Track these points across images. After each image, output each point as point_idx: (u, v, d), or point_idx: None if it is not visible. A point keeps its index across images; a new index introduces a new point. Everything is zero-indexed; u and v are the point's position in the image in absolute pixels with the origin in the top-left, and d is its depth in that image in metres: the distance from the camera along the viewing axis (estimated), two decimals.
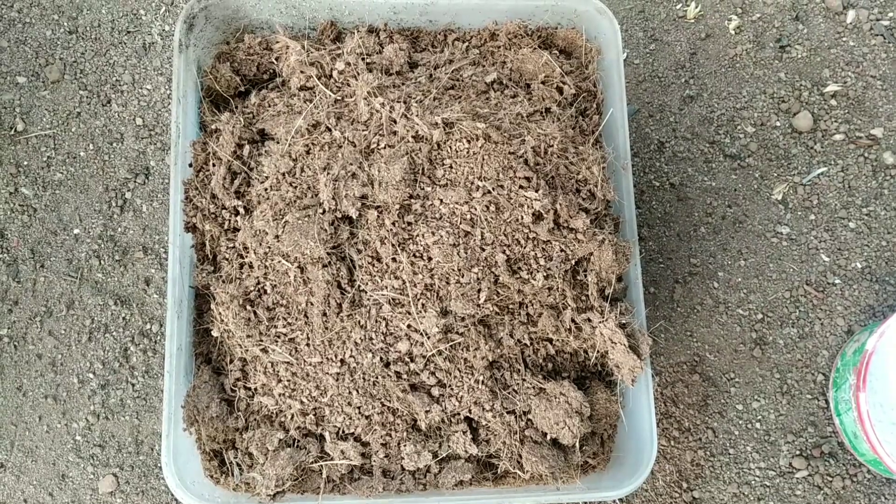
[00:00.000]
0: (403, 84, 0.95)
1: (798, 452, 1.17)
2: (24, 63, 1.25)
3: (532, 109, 0.96)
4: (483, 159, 0.86)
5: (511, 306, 0.89)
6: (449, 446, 0.88)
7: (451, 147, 0.87)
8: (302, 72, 0.95)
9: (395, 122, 0.89)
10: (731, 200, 1.25)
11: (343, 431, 0.88)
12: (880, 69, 1.31)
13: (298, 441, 0.88)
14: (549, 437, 0.89)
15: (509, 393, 0.89)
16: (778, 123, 1.28)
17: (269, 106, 0.97)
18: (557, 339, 0.91)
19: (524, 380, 0.89)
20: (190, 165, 0.96)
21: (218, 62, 1.02)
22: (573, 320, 0.90)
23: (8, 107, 1.24)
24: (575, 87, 1.00)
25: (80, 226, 1.20)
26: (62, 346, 1.16)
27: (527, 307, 0.89)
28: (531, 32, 1.05)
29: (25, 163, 1.22)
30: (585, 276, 0.90)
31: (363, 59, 0.98)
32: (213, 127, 0.96)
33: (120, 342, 1.16)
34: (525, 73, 1.00)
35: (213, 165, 0.94)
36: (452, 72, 0.99)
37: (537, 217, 0.86)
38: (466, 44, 1.04)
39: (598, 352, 0.91)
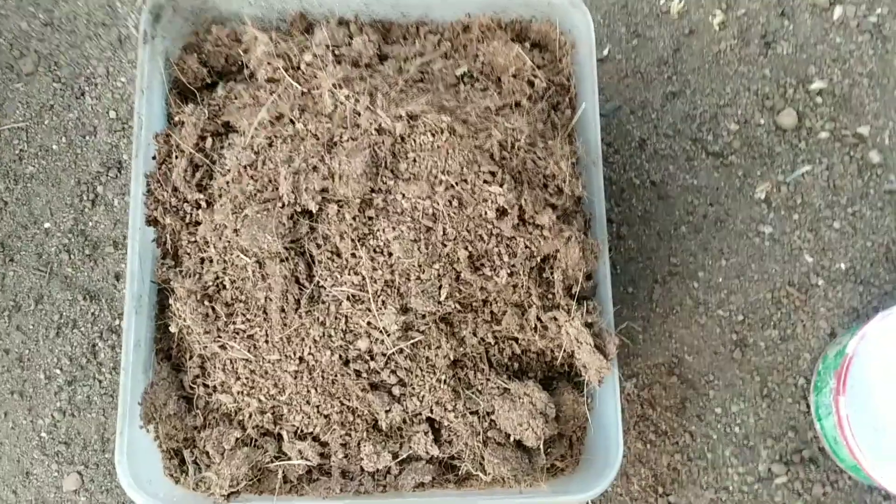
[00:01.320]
0: (371, 77, 0.93)
1: (778, 458, 1.15)
2: None
3: (502, 103, 0.94)
4: (447, 153, 0.84)
5: (474, 304, 0.86)
6: (410, 447, 0.86)
7: (414, 140, 0.85)
8: (269, 63, 0.93)
9: (358, 114, 0.87)
10: (712, 199, 1.23)
11: (301, 431, 0.86)
12: (867, 66, 1.29)
13: (256, 440, 0.86)
14: (512, 439, 0.87)
15: (472, 393, 0.87)
16: (762, 121, 1.26)
17: (235, 98, 0.95)
18: (523, 339, 0.89)
19: (488, 380, 0.87)
20: (153, 158, 0.95)
21: (185, 53, 1.00)
22: (539, 319, 0.88)
23: None
24: (547, 80, 0.98)
25: (51, 220, 1.18)
26: (30, 342, 1.14)
27: (490, 305, 0.87)
28: (505, 26, 1.03)
29: None
30: (552, 273, 0.88)
31: (331, 50, 0.96)
32: (176, 119, 0.94)
33: (88, 338, 1.14)
34: (496, 66, 0.98)
35: (176, 158, 0.92)
36: (422, 64, 0.97)
37: (501, 212, 0.84)
38: (439, 36, 1.02)
39: (564, 351, 0.89)
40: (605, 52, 1.28)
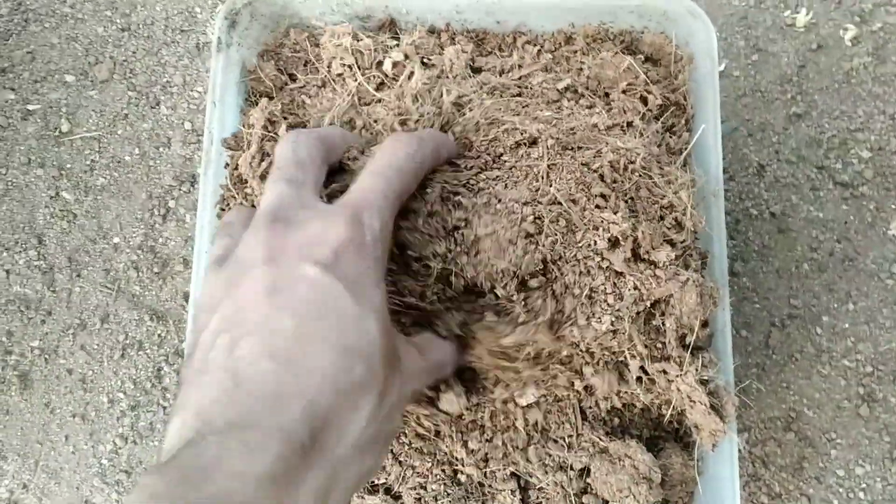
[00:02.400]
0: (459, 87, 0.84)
1: None
2: (74, 61, 1.19)
3: (611, 122, 0.83)
4: (548, 169, 0.74)
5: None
6: None
7: (513, 154, 0.75)
8: (342, 60, 0.85)
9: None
10: (840, 234, 1.09)
11: (373, 482, 0.77)
12: None
13: None
14: None
15: (564, 448, 0.76)
16: None
17: (307, 95, 0.87)
18: (625, 391, 0.77)
19: (580, 434, 0.76)
20: (225, 166, 0.87)
21: (262, 60, 0.93)
22: (644, 371, 0.76)
23: (55, 106, 1.17)
24: (662, 98, 0.87)
25: (120, 234, 1.13)
26: (94, 363, 1.08)
27: (585, 352, 0.76)
28: (613, 36, 0.92)
29: (69, 166, 1.15)
30: (663, 320, 0.76)
31: (421, 58, 0.87)
32: (247, 121, 0.87)
33: (154, 361, 1.08)
34: (604, 80, 0.87)
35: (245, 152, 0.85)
36: (520, 78, 0.87)
37: (613, 243, 0.73)
38: (538, 47, 0.92)
39: (674, 409, 0.77)
40: (722, 67, 1.16)
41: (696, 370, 0.76)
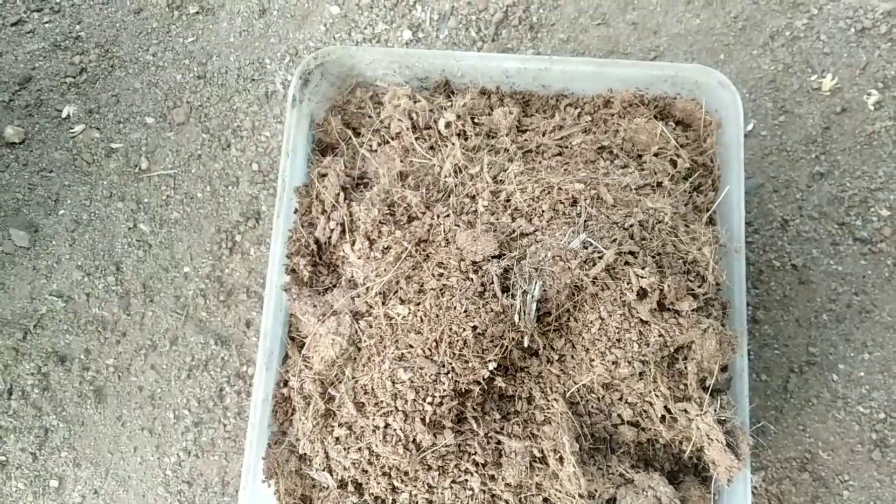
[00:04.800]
0: (506, 148, 0.94)
1: None
2: (154, 105, 1.31)
3: (643, 182, 0.92)
4: (584, 226, 0.83)
5: (595, 387, 0.84)
6: None
7: (551, 210, 0.85)
8: (400, 120, 0.95)
9: (496, 181, 0.88)
10: (858, 287, 1.16)
11: (417, 503, 0.85)
12: None
13: None
14: None
15: (597, 481, 0.84)
16: None
17: (368, 149, 0.98)
18: (650, 428, 0.86)
19: (609, 466, 0.84)
20: (295, 212, 0.98)
21: (330, 115, 1.03)
22: (668, 410, 0.84)
23: (135, 145, 1.29)
24: (690, 161, 0.96)
25: (190, 264, 1.23)
26: (162, 381, 1.19)
27: (614, 390, 0.85)
28: (648, 102, 1.01)
29: (146, 200, 1.26)
30: (685, 364, 0.84)
31: (472, 118, 0.97)
32: (317, 171, 0.97)
33: (217, 381, 1.18)
34: (638, 143, 0.96)
35: (316, 210, 0.95)
36: (561, 138, 0.96)
37: (641, 295, 0.82)
38: (579, 110, 1.01)
39: (693, 445, 0.85)
40: (750, 127, 1.24)
41: (715, 411, 0.83)
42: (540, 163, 0.93)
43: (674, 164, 0.95)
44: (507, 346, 0.81)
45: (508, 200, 0.88)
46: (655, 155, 0.95)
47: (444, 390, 0.80)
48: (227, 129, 1.30)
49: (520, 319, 0.80)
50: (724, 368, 0.89)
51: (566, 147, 0.96)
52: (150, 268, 1.24)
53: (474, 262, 0.82)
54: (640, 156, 0.96)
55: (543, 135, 0.97)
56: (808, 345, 1.15)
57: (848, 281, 1.17)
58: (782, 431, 1.12)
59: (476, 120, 0.98)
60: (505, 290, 0.81)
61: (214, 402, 1.17)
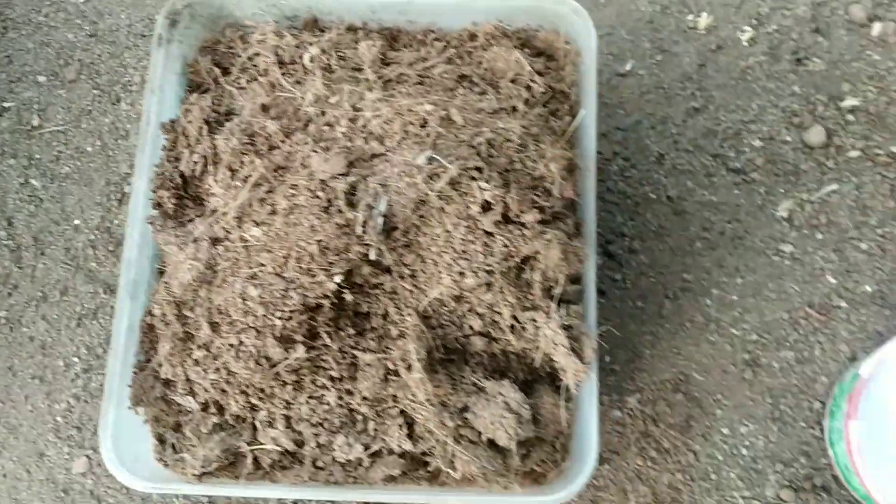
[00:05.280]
0: (366, 79, 0.96)
1: (787, 483, 1.10)
2: (46, 64, 1.32)
3: (498, 106, 0.95)
4: (433, 145, 0.86)
5: (446, 300, 0.87)
6: (383, 440, 0.87)
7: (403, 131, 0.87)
8: (266, 56, 0.97)
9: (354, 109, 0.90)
10: (731, 216, 1.20)
11: (275, 419, 0.87)
12: None
13: (234, 426, 0.88)
14: (484, 438, 0.86)
15: (447, 389, 0.86)
16: (788, 138, 1.23)
17: (237, 87, 0.99)
18: (501, 339, 0.88)
19: (463, 377, 0.87)
20: (162, 149, 0.99)
21: (199, 55, 1.04)
22: (516, 319, 0.87)
23: (27, 104, 1.30)
24: (547, 86, 0.99)
25: (80, 217, 1.24)
26: (53, 331, 1.20)
27: (464, 302, 0.87)
28: (511, 34, 1.04)
29: (38, 156, 1.27)
30: (531, 273, 0.87)
31: (337, 52, 0.99)
32: (184, 107, 0.98)
33: (106, 329, 1.19)
34: (497, 71, 0.99)
35: (182, 144, 0.96)
36: (423, 69, 0.99)
37: (485, 208, 0.85)
38: (445, 44, 1.03)
39: (542, 354, 0.88)
40: (628, 67, 1.28)
41: (561, 318, 0.86)
42: (400, 91, 0.95)
43: (529, 89, 0.98)
44: (354, 260, 0.84)
45: (365, 126, 0.90)
46: (512, 81, 0.98)
47: (293, 305, 0.82)
48: (116, 84, 1.31)
49: (364, 232, 0.83)
50: (575, 281, 0.92)
51: (428, 77, 0.98)
52: (42, 222, 1.25)
53: (322, 181, 0.85)
54: (498, 82, 0.99)
55: (409, 66, 0.99)
56: (683, 272, 1.18)
57: (721, 210, 1.21)
58: (657, 355, 1.15)
59: (341, 54, 1.00)
60: (351, 205, 0.84)
61: (104, 348, 1.19)
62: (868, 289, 1.16)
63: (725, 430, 1.13)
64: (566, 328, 0.87)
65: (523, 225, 0.87)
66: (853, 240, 1.18)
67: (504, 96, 0.96)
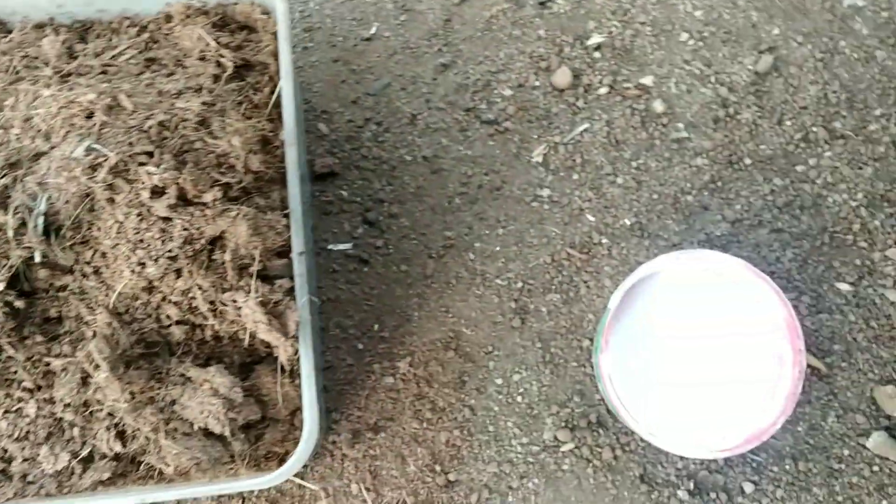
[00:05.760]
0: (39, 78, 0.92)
1: (563, 424, 1.11)
2: None
3: (184, 86, 0.92)
4: (99, 136, 0.82)
5: (138, 293, 0.84)
6: (93, 445, 0.84)
7: (71, 126, 0.84)
8: None
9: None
10: (488, 168, 1.20)
11: None
12: (650, 14, 1.25)
13: None
14: (196, 427, 0.84)
15: (153, 383, 0.84)
16: (537, 83, 1.22)
17: None
18: (209, 324, 0.86)
19: (169, 369, 0.85)
20: None
21: None
22: (215, 302, 0.85)
23: None
24: (242, 60, 0.96)
25: None
26: None
27: (156, 292, 0.85)
28: (210, 10, 1.01)
29: None
30: (222, 255, 0.85)
31: (20, 52, 0.95)
32: None
33: None
34: (185, 50, 0.96)
35: None
36: (111, 58, 0.95)
37: (157, 193, 0.82)
38: (139, 29, 1.00)
39: (250, 334, 0.86)
40: (373, 30, 1.26)
41: (262, 295, 0.84)
42: (78, 84, 0.92)
43: (219, 65, 0.95)
44: (15, 266, 0.80)
45: (35, 125, 0.87)
46: (201, 59, 0.95)
47: None
48: None
49: (22, 235, 0.80)
50: (281, 255, 0.90)
51: (112, 65, 0.95)
52: None
53: None
54: (185, 62, 0.96)
55: (95, 57, 0.96)
56: (445, 230, 1.18)
57: (478, 163, 1.20)
58: (426, 316, 1.15)
59: (24, 53, 0.96)
60: (4, 207, 0.80)
61: None
62: (627, 222, 1.17)
63: (499, 381, 1.13)
64: (267, 304, 0.85)
65: (205, 205, 0.84)
66: (609, 176, 1.19)
67: (191, 75, 0.94)
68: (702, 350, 1.10)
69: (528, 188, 1.19)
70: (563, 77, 1.21)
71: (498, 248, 1.17)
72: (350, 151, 1.19)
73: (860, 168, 1.18)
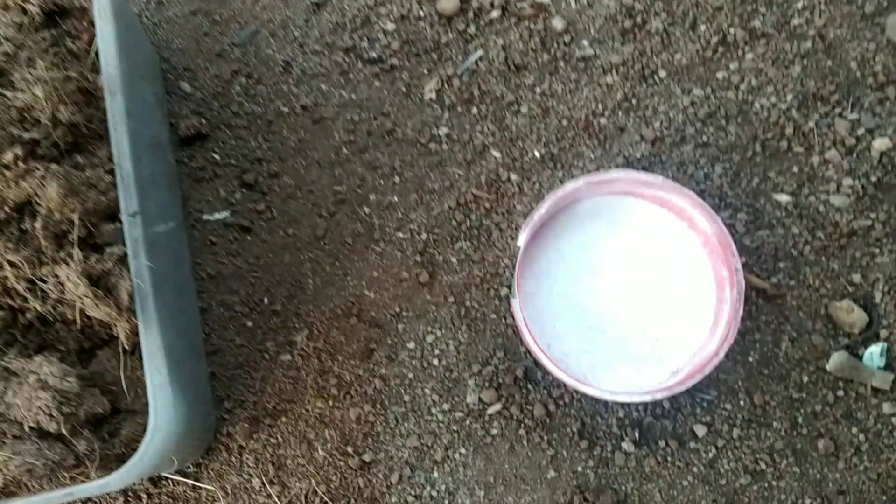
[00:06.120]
0: None
1: (487, 384, 0.98)
2: None
3: None
4: None
5: None
6: None
7: None
8: None
9: None
10: (376, 111, 1.07)
11: None
12: None
13: None
14: (27, 427, 0.71)
15: None
16: (422, 12, 1.10)
17: None
18: (27, 307, 0.73)
19: None
20: None
21: None
22: (34, 279, 0.71)
23: None
24: (54, 6, 0.83)
25: None
26: None
27: None
28: None
29: None
30: (34, 222, 0.72)
31: None
32: None
33: None
34: None
35: None
36: None
37: None
38: None
39: (78, 312, 0.73)
40: None
41: (88, 266, 0.71)
42: None
43: (25, 13, 0.82)
44: None
45: None
46: (3, 7, 0.82)
47: None
48: None
49: None
50: (111, 218, 0.77)
51: None
52: None
53: None
54: None
55: None
56: (334, 184, 1.05)
57: (365, 107, 1.07)
58: (323, 282, 1.02)
59: None
60: None
61: None
62: (536, 154, 1.05)
63: (411, 345, 1.00)
64: (94, 276, 0.72)
65: (5, 167, 0.71)
66: (511, 106, 1.06)
67: None
68: (629, 283, 0.98)
69: (424, 129, 1.06)
70: (449, 3, 1.09)
71: (395, 199, 1.04)
72: (219, 110, 1.06)
73: (786, 67, 1.06)
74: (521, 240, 0.92)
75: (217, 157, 1.05)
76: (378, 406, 0.98)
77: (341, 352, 1.00)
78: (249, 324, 1.00)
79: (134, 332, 0.73)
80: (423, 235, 1.03)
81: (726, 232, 0.92)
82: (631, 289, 0.97)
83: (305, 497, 0.95)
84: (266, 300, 1.01)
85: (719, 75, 1.06)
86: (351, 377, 0.99)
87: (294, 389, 0.98)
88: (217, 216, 1.03)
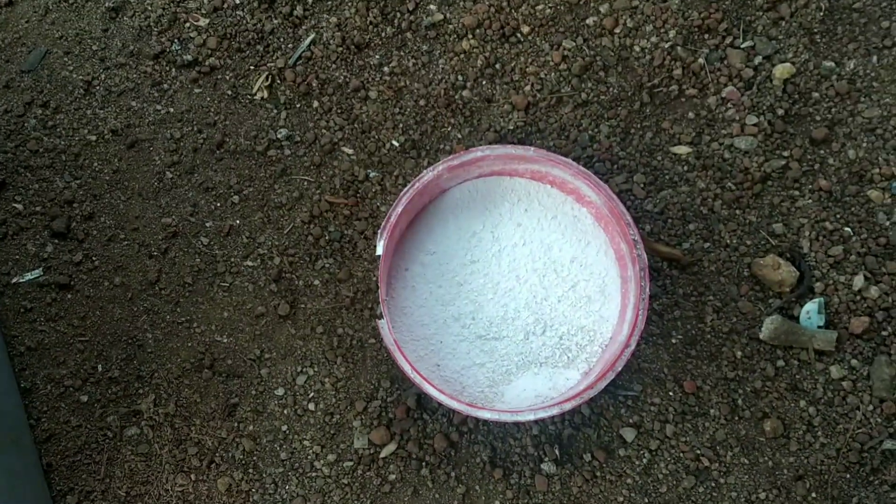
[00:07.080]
0: None
1: (375, 422, 0.84)
2: None
3: None
4: None
5: None
6: None
7: None
8: None
9: None
10: (200, 123, 0.92)
11: None
12: None
13: None
14: None
15: None
16: (237, 0, 0.93)
17: None
18: None
19: None
20: None
21: None
22: None
23: None
24: None
25: None
26: None
27: None
28: None
29: None
30: None
31: None
32: None
33: None
34: None
35: None
36: None
37: None
38: None
39: None
40: None
41: None
42: None
43: None
44: None
45: None
46: None
47: None
48: None
49: None
50: None
51: None
52: None
53: None
54: None
55: None
56: (162, 216, 0.89)
57: (186, 120, 0.92)
58: (163, 335, 0.86)
59: None
60: None
61: None
62: (395, 143, 0.90)
63: (280, 392, 0.85)
64: None
65: None
66: (358, 92, 0.92)
67: None
68: (518, 277, 0.83)
69: (259, 135, 0.90)
70: None
71: (237, 222, 0.89)
72: (14, 151, 0.89)
73: (664, 1, 0.92)
74: (380, 247, 0.77)
75: (19, 206, 0.88)
76: (251, 471, 0.83)
77: (198, 413, 0.84)
78: (84, 398, 0.84)
79: None
80: (277, 259, 0.87)
81: (617, 200, 0.78)
82: (522, 283, 0.83)
83: None
84: (100, 367, 0.85)
85: (589, 21, 0.92)
86: (213, 442, 0.83)
87: (148, 468, 0.82)
88: (28, 276, 0.86)
